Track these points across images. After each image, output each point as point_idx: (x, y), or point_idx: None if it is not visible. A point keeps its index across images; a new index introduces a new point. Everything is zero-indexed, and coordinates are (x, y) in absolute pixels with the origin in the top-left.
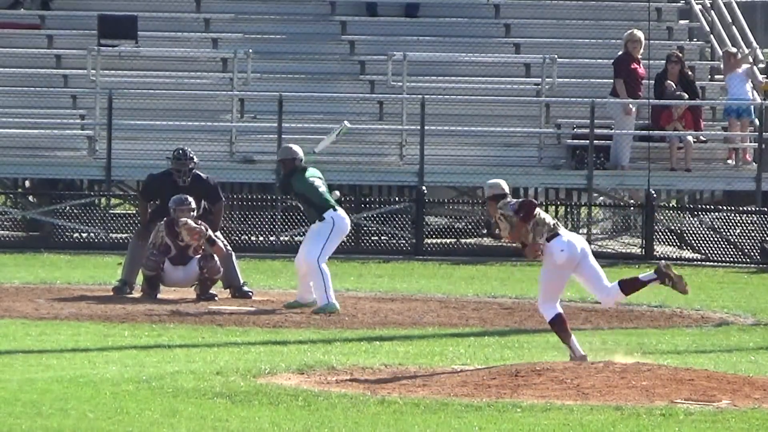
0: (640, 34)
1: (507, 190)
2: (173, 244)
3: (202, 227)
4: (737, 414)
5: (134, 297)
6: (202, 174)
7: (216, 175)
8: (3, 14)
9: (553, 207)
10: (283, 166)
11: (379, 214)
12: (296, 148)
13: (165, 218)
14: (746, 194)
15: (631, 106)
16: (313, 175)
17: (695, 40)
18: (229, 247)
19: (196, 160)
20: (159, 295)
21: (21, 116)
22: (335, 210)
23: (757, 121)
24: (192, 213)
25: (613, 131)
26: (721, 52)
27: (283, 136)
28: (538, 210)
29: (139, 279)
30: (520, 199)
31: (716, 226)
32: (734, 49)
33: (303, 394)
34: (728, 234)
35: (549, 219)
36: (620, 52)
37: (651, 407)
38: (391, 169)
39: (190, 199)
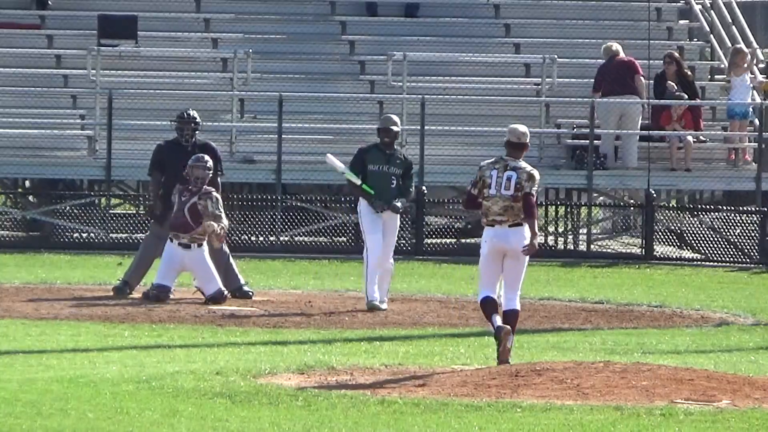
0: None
1: (521, 140)
2: (178, 201)
3: (222, 227)
4: (737, 414)
5: (134, 297)
6: (212, 143)
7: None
8: (3, 14)
9: (553, 207)
10: (390, 135)
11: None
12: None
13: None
14: (746, 194)
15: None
16: None
17: (695, 40)
18: (226, 248)
19: (199, 121)
20: None
21: (21, 116)
22: None
23: (756, 121)
24: (208, 171)
25: (616, 131)
26: (721, 52)
27: (283, 136)
28: (482, 206)
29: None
30: (470, 190)
31: (716, 226)
32: (745, 49)
33: (303, 394)
34: (728, 234)
35: (489, 214)
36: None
37: (651, 407)
38: None
39: (207, 157)
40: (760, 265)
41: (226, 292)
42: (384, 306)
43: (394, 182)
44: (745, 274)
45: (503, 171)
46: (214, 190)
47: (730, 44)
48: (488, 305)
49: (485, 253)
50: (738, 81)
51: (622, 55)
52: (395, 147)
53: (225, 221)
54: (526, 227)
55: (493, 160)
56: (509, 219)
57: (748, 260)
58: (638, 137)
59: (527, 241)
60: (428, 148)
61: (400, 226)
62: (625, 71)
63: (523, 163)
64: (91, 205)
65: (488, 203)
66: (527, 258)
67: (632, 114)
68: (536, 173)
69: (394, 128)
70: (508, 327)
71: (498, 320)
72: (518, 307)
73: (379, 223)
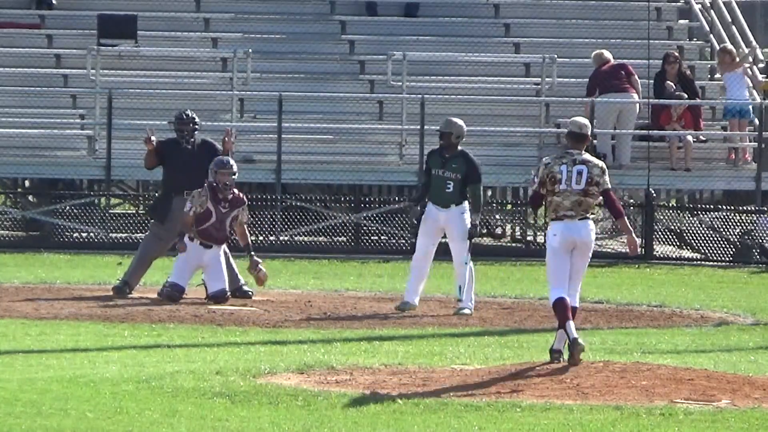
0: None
1: (582, 131)
2: (215, 210)
3: (263, 270)
4: (737, 414)
5: (134, 297)
6: (211, 140)
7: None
8: (3, 14)
9: None
10: (445, 138)
11: (379, 214)
12: (464, 127)
13: (206, 183)
14: (746, 194)
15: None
16: None
17: (695, 39)
18: (226, 248)
19: (198, 121)
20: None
21: (21, 116)
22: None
23: (756, 121)
24: (233, 176)
25: (614, 131)
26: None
27: (283, 135)
28: (549, 200)
29: (140, 280)
30: (535, 189)
31: (716, 226)
32: (731, 47)
33: (303, 394)
34: (728, 234)
35: (560, 209)
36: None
37: (651, 407)
38: (391, 168)
39: (232, 161)
40: (757, 265)
41: (228, 294)
42: (466, 311)
43: (450, 186)
44: (744, 273)
45: (572, 165)
46: (244, 197)
47: (729, 43)
48: (562, 308)
49: (555, 247)
50: (730, 79)
51: (612, 60)
52: (458, 149)
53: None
54: (592, 221)
55: (556, 155)
56: (578, 213)
57: (747, 260)
58: (633, 136)
59: (595, 236)
60: (428, 147)
61: (401, 226)
62: (620, 72)
63: (588, 156)
64: (90, 205)
65: (558, 198)
66: (591, 253)
67: (629, 112)
68: (603, 164)
69: (447, 130)
70: (582, 344)
71: (573, 330)
72: (578, 305)
73: (431, 226)
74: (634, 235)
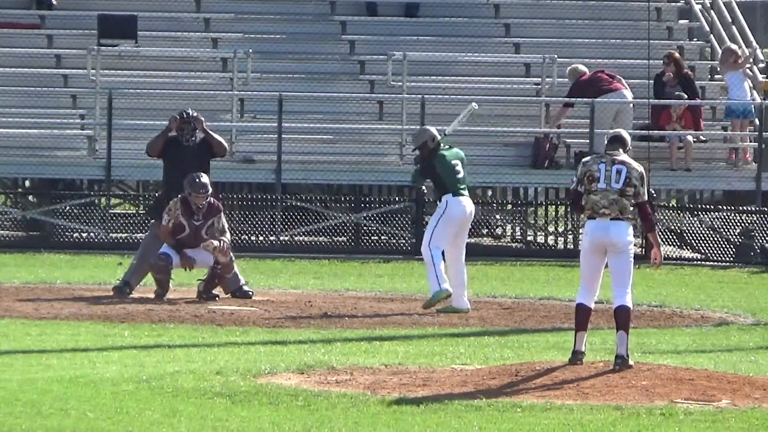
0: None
1: (618, 134)
2: (188, 223)
3: (225, 241)
4: (737, 414)
5: (134, 297)
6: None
7: (216, 174)
8: (3, 14)
9: (553, 207)
10: (422, 151)
11: (379, 214)
12: (432, 129)
13: (180, 195)
14: (746, 194)
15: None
16: (456, 157)
17: (695, 40)
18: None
19: (200, 120)
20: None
21: (21, 116)
22: (455, 195)
23: (757, 121)
24: (208, 196)
25: (611, 130)
26: (720, 52)
27: (283, 135)
28: (587, 199)
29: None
30: (574, 187)
31: (716, 226)
32: (735, 47)
33: (303, 394)
34: (728, 234)
35: (596, 207)
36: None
37: (651, 407)
38: (391, 168)
39: (205, 180)
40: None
41: (223, 243)
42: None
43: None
44: (744, 273)
45: (611, 165)
46: (220, 204)
47: (729, 43)
48: (581, 315)
49: (585, 248)
50: (732, 79)
51: (588, 72)
52: (432, 155)
53: (228, 235)
54: (627, 223)
55: (596, 155)
56: (612, 212)
57: (747, 260)
58: (633, 136)
59: (630, 237)
60: None
61: (401, 226)
62: (602, 76)
63: (628, 158)
64: (91, 205)
65: (596, 197)
66: (632, 253)
67: (626, 111)
68: (643, 170)
69: (422, 142)
70: (583, 357)
71: (582, 344)
72: (630, 304)
73: None
74: (661, 249)
